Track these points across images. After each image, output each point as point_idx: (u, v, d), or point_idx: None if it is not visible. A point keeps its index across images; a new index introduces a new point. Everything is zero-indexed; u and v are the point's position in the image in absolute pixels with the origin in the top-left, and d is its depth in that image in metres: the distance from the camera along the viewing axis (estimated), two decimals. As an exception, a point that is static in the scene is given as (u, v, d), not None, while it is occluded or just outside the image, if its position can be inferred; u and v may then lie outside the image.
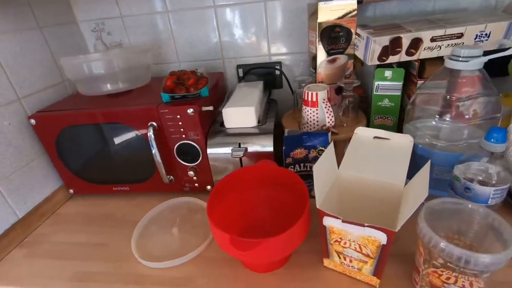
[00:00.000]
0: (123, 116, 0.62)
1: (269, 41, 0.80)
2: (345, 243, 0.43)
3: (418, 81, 0.60)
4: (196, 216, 0.64)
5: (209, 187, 0.69)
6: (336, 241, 0.44)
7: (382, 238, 0.39)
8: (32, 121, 0.64)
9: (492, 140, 0.42)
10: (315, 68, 0.68)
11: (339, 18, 0.62)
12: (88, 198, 0.75)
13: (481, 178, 0.44)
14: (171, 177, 0.68)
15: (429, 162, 0.42)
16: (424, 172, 0.41)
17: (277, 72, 0.83)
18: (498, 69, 0.65)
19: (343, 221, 0.40)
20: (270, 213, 0.57)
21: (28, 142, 0.67)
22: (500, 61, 0.62)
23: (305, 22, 0.76)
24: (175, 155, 0.65)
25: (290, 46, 0.80)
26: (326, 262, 0.49)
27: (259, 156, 0.62)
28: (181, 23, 0.81)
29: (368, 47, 0.59)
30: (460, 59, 0.46)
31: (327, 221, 0.42)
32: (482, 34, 0.57)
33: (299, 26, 0.77)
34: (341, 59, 0.66)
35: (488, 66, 0.47)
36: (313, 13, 0.65)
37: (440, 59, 0.60)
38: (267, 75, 0.83)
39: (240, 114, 0.63)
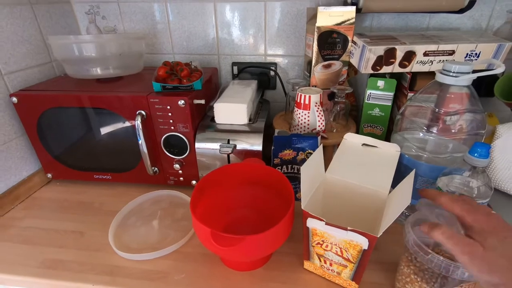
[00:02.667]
0: (111, 102, 0.60)
1: (266, 41, 0.80)
2: (326, 246, 0.43)
3: (409, 93, 0.61)
4: (178, 210, 0.62)
5: (194, 181, 0.67)
6: (318, 243, 0.44)
7: (363, 242, 0.39)
8: (14, 99, 0.62)
9: (475, 154, 0.43)
10: (309, 71, 0.69)
11: (337, 24, 0.62)
12: (66, 184, 0.73)
13: (462, 192, 0.45)
14: (156, 168, 0.66)
15: (413, 171, 0.43)
16: (408, 181, 0.41)
17: (272, 73, 0.82)
18: (485, 90, 0.67)
19: (326, 224, 0.40)
20: (253, 212, 0.57)
21: (8, 120, 0.64)
22: (488, 82, 0.65)
23: (303, 26, 0.76)
24: (162, 146, 0.64)
25: (286, 48, 0.80)
26: (306, 264, 0.49)
27: (247, 154, 0.61)
28: (178, 14, 0.79)
29: (363, 56, 0.60)
30: (451, 74, 0.47)
31: (311, 223, 0.42)
32: (472, 53, 0.59)
33: (296, 30, 0.77)
34: (336, 65, 0.67)
35: (476, 86, 0.48)
36: (312, 17, 0.66)
37: (431, 74, 0.62)
38: (261, 75, 0.83)
39: (232, 110, 0.62)
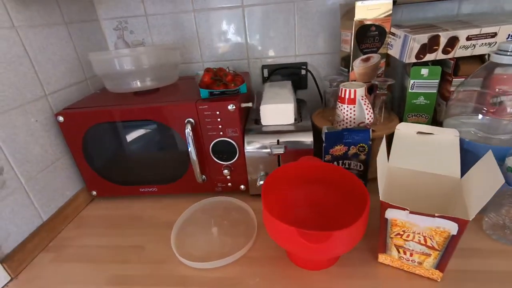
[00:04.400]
0: (157, 113, 0.60)
1: (296, 41, 0.80)
2: (407, 236, 0.42)
3: (454, 79, 0.62)
4: (233, 216, 0.62)
5: (243, 186, 0.67)
6: (398, 234, 0.43)
7: (452, 228, 0.39)
8: (60, 118, 0.61)
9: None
10: (347, 67, 0.69)
11: (375, 17, 0.63)
12: (110, 200, 0.72)
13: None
14: (204, 176, 0.66)
15: (490, 152, 0.43)
16: (489, 161, 0.41)
17: (303, 73, 0.83)
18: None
19: (410, 212, 0.40)
20: (313, 211, 0.56)
21: (53, 140, 0.64)
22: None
23: (332, 23, 0.77)
24: (210, 153, 0.63)
25: (316, 47, 0.81)
26: (381, 257, 0.48)
27: (298, 153, 0.61)
28: (207, 22, 0.80)
29: (406, 45, 0.60)
30: (508, 53, 0.47)
31: (391, 213, 0.42)
32: (514, 34, 0.59)
33: (326, 27, 0.78)
34: (375, 58, 0.67)
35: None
36: (347, 12, 0.66)
37: (474, 58, 0.62)
38: (292, 76, 0.83)
39: (279, 111, 0.62)
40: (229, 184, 0.67)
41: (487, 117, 0.52)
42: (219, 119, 0.60)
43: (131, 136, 0.65)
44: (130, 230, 0.62)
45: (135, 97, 0.68)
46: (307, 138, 0.61)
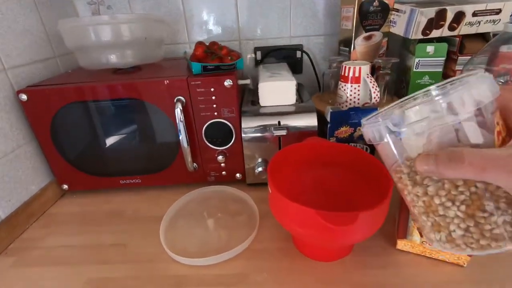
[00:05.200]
0: (142, 90, 0.52)
1: (291, 22, 0.75)
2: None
3: (459, 57, 0.59)
4: (231, 206, 0.55)
5: (238, 175, 0.60)
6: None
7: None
8: (23, 96, 0.52)
9: None
10: (348, 46, 0.65)
11: (378, -9, 0.59)
12: (85, 195, 0.62)
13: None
14: (195, 164, 0.59)
15: None
16: None
17: (298, 56, 0.78)
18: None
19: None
20: (320, 196, 0.51)
21: (14, 123, 0.54)
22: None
23: (329, 2, 0.73)
24: (203, 137, 0.56)
25: (313, 28, 0.76)
26: (400, 244, 0.43)
27: (301, 135, 0.55)
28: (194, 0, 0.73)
29: (412, 20, 0.57)
30: (524, 22, 0.45)
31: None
32: (517, 11, 0.58)
33: (324, 6, 0.74)
34: (377, 36, 0.64)
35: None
36: (349, -13, 0.62)
37: (477, 36, 0.60)
38: (286, 59, 0.78)
39: (279, 89, 0.57)
40: (224, 172, 0.60)
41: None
42: (213, 97, 0.53)
43: (110, 119, 0.56)
44: (109, 227, 0.53)
45: (113, 75, 0.59)
46: (311, 120, 0.55)
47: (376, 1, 0.60)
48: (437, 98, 0.23)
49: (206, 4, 0.74)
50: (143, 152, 0.59)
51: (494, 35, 0.57)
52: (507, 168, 0.21)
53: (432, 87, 0.25)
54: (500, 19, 0.58)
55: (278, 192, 0.37)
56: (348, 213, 0.32)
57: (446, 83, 0.25)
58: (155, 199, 0.60)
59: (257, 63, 0.79)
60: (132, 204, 0.59)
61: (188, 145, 0.54)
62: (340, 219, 0.32)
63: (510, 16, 0.58)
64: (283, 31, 0.76)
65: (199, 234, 0.49)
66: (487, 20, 0.58)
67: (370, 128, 0.27)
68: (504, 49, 0.50)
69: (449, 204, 0.25)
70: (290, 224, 0.38)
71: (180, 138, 0.53)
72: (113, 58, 0.58)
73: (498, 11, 0.57)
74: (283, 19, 0.75)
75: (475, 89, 0.22)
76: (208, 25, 0.76)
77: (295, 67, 0.79)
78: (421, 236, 0.41)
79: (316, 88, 0.79)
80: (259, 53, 0.78)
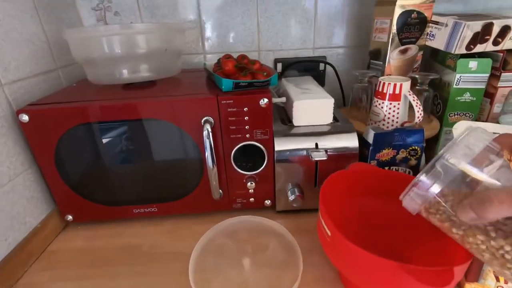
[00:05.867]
0: (166, 110, 0.46)
1: (315, 32, 0.70)
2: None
3: (502, 74, 0.56)
4: (263, 240, 0.48)
5: (268, 201, 0.54)
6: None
7: None
8: (24, 117, 0.44)
9: None
10: (381, 59, 0.60)
11: (417, 2, 0.55)
12: (92, 227, 0.55)
13: None
14: (221, 191, 0.52)
15: None
16: None
17: (321, 68, 0.73)
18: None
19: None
20: (369, 232, 0.45)
21: (12, 148, 0.46)
22: None
23: (355, 12, 0.69)
24: (232, 161, 0.50)
25: (338, 39, 0.71)
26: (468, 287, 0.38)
27: (341, 158, 0.50)
28: (212, 6, 0.67)
29: (456, 34, 0.53)
30: None
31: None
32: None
33: (350, 17, 0.69)
34: (412, 49, 0.60)
35: None
36: (383, -3, 0.58)
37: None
38: (309, 71, 0.73)
39: (316, 108, 0.51)
40: (251, 199, 0.54)
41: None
42: (246, 118, 0.47)
43: (123, 141, 0.49)
44: (123, 267, 0.46)
45: (124, 91, 0.52)
46: (351, 141, 0.50)
47: (415, 13, 0.56)
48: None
49: (224, 11, 0.68)
50: (161, 178, 0.52)
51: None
52: None
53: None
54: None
55: (345, 238, 0.31)
56: (444, 269, 0.27)
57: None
58: (174, 231, 0.53)
59: (278, 76, 0.73)
60: (149, 237, 0.52)
61: (215, 170, 0.48)
62: (438, 279, 0.26)
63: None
64: (307, 42, 0.71)
65: (235, 276, 0.42)
66: (530, 35, 0.55)
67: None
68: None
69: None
70: (356, 277, 0.32)
71: (207, 163, 0.47)
72: (127, 73, 0.51)
73: (542, 25, 0.54)
74: (307, 29, 0.70)
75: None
76: (225, 34, 0.70)
77: (318, 80, 0.73)
78: (497, 280, 0.36)
79: (339, 103, 0.74)
80: (279, 65, 0.72)
